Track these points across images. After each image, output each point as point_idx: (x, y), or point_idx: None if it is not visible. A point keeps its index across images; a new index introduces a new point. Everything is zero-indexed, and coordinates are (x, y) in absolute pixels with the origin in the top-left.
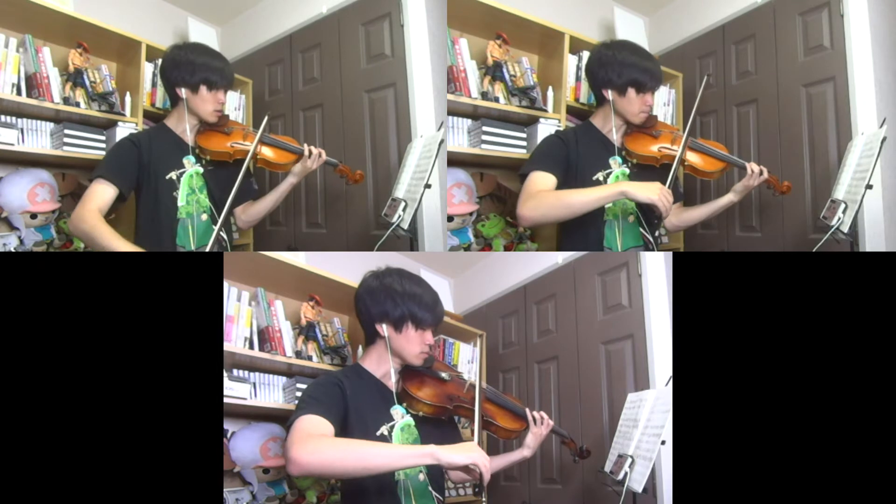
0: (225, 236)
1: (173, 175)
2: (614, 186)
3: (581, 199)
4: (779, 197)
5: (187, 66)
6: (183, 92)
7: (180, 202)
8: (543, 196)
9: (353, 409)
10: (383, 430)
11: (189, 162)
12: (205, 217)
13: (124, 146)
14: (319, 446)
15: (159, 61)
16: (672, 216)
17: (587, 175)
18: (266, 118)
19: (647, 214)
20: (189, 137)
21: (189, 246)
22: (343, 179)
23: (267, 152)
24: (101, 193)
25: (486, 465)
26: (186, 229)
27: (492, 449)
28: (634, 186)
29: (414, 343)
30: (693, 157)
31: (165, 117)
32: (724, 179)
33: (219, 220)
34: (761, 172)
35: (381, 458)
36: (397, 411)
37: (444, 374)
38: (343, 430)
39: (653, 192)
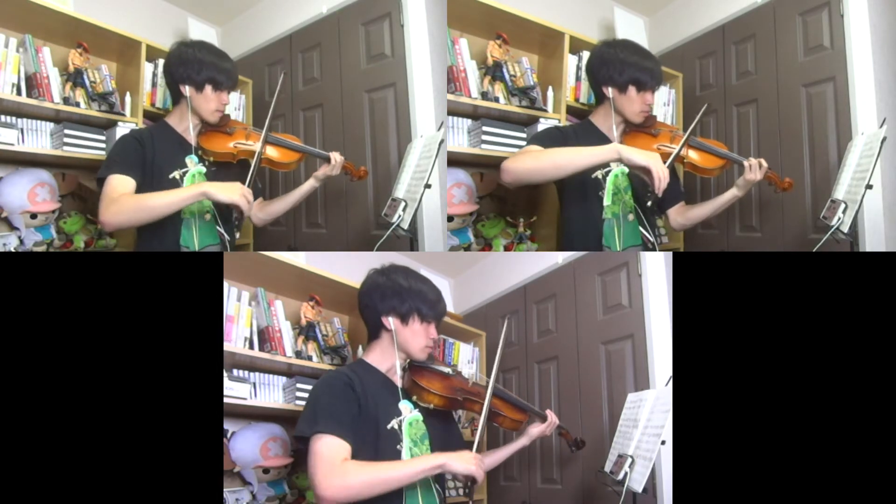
0: (227, 235)
1: (176, 174)
2: (195, 187)
3: (163, 202)
4: (780, 194)
5: (194, 65)
6: (187, 90)
7: None
8: (124, 200)
9: (364, 407)
10: (394, 423)
11: (192, 161)
12: (208, 217)
13: (129, 142)
14: (346, 480)
15: (159, 61)
16: (677, 215)
17: (586, 172)
18: (269, 115)
19: (647, 213)
20: (191, 137)
21: (192, 246)
22: (347, 177)
23: (271, 151)
24: (124, 183)
25: (482, 475)
26: (190, 230)
27: (492, 440)
28: (216, 187)
29: (419, 336)
30: (692, 155)
31: (167, 115)
32: (724, 178)
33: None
34: (760, 165)
35: (400, 479)
36: (405, 406)
37: (446, 370)
38: (355, 432)
39: (234, 193)
